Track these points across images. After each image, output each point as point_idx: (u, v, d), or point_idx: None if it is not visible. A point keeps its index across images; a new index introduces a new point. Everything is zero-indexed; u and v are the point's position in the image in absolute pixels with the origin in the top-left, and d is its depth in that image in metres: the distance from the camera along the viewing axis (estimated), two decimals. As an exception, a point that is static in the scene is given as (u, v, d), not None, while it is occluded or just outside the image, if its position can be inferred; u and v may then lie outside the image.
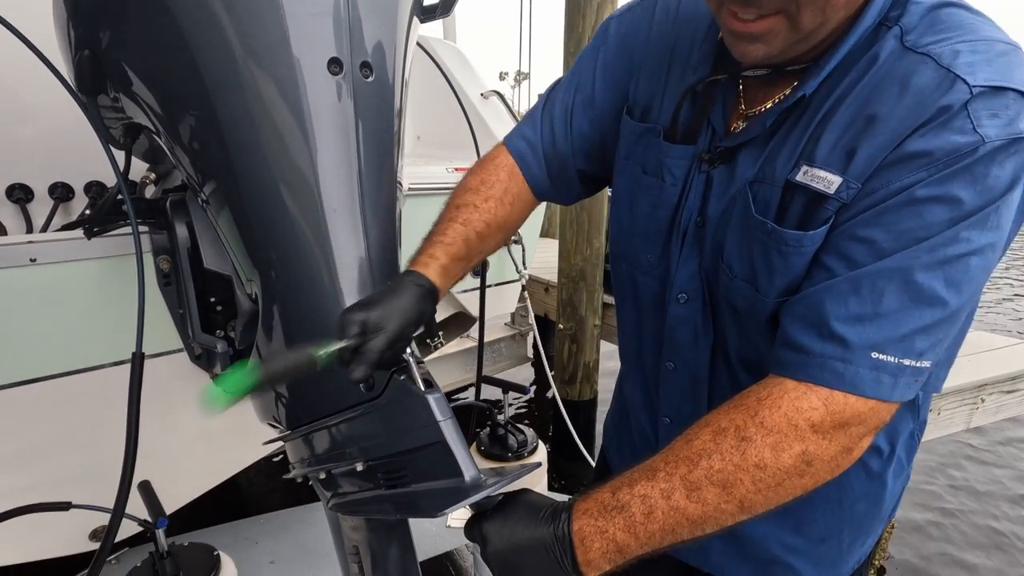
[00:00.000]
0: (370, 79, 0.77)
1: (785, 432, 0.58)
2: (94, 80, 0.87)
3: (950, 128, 0.55)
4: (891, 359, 0.59)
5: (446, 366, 3.40)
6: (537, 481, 1.95)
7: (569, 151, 0.91)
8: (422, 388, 0.68)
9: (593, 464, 3.44)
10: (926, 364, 0.60)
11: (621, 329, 0.96)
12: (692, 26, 0.78)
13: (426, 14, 1.01)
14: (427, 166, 1.92)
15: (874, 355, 0.59)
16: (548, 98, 0.93)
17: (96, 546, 1.37)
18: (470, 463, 0.65)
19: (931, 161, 0.56)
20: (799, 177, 0.64)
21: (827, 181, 0.61)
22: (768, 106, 0.69)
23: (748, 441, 0.58)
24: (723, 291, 0.73)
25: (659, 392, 0.88)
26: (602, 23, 0.90)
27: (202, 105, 0.76)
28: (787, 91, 0.67)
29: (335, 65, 0.73)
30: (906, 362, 0.59)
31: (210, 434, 1.64)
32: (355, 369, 0.64)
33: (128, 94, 0.87)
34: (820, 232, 0.63)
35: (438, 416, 0.66)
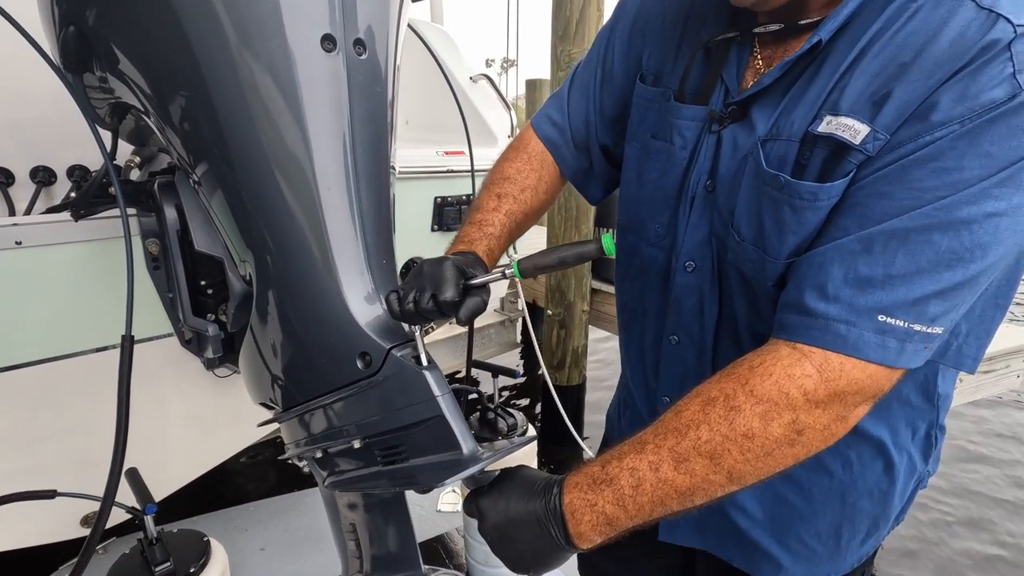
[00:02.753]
0: (363, 56, 0.76)
1: (775, 400, 0.57)
2: (79, 57, 0.85)
3: (988, 72, 0.51)
4: (899, 323, 0.55)
5: (435, 352, 3.38)
6: (526, 458, 1.98)
7: (594, 129, 0.92)
8: (424, 364, 0.69)
9: (585, 449, 3.47)
10: (938, 330, 0.56)
11: (623, 308, 0.95)
12: None
13: (418, -7, 1.00)
14: (417, 149, 1.91)
15: (881, 318, 0.55)
16: (572, 79, 0.94)
17: (87, 532, 1.36)
18: (468, 436, 0.66)
19: (965, 111, 0.51)
20: (822, 128, 0.59)
21: (853, 130, 0.57)
22: (785, 59, 0.66)
23: (737, 410, 0.57)
24: (732, 257, 0.71)
25: (659, 369, 0.86)
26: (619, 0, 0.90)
27: (193, 83, 0.75)
28: (803, 44, 0.64)
29: (328, 42, 0.72)
30: (916, 327, 0.55)
31: (198, 420, 1.63)
32: (473, 299, 0.69)
33: (115, 72, 0.85)
34: (838, 185, 0.59)
35: (436, 391, 0.67)
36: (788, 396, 0.57)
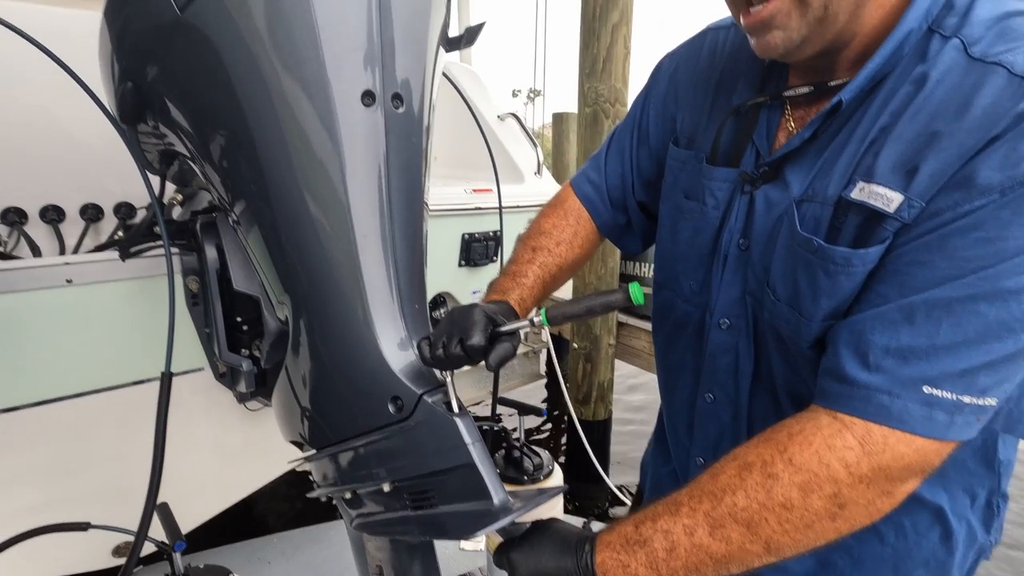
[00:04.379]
0: (400, 110, 0.79)
1: (815, 471, 0.55)
2: (135, 110, 0.90)
3: None
4: (947, 395, 0.54)
5: (460, 382, 3.38)
6: (553, 504, 1.94)
7: (631, 187, 0.95)
8: (456, 410, 0.70)
9: (612, 487, 3.41)
10: (991, 402, 0.54)
11: (659, 361, 0.95)
12: (737, 57, 0.79)
13: (451, 44, 1.04)
14: (446, 187, 1.95)
15: (927, 390, 0.54)
16: (610, 141, 0.98)
17: (119, 562, 1.38)
18: (499, 486, 0.66)
19: (1005, 180, 0.51)
20: (854, 194, 0.59)
21: (886, 199, 0.57)
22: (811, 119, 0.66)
23: (774, 479, 0.55)
24: (767, 316, 0.71)
25: (694, 427, 0.85)
26: (657, 63, 0.94)
27: (241, 135, 0.78)
28: None
29: (368, 97, 0.75)
30: (966, 399, 0.54)
31: (229, 452, 1.65)
32: (503, 345, 0.69)
33: (167, 123, 0.90)
34: (874, 252, 0.58)
35: (467, 439, 0.67)
36: (829, 468, 0.55)
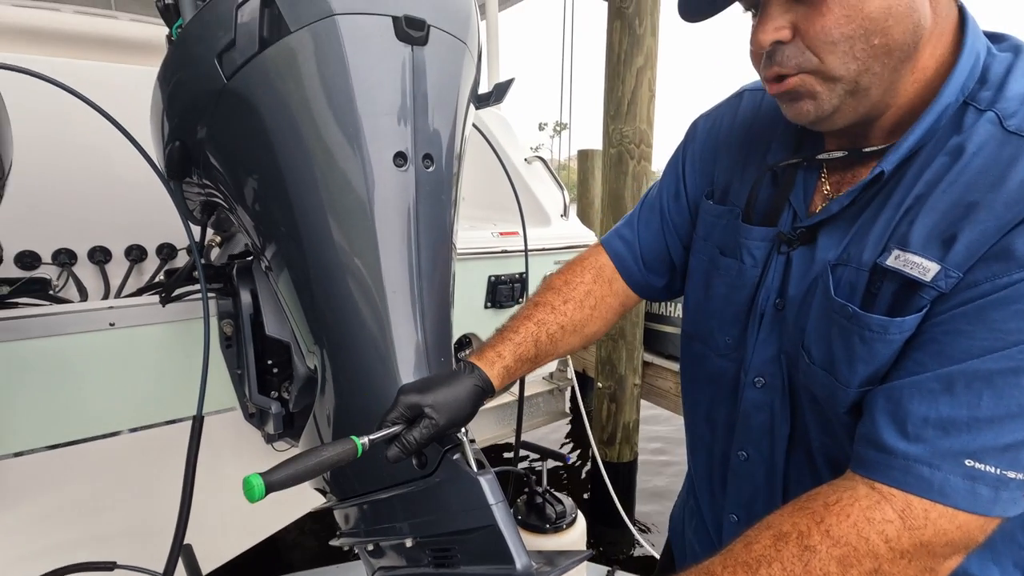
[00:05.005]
0: (431, 169, 0.82)
1: (854, 545, 0.53)
2: (182, 166, 0.96)
3: None
4: (991, 469, 0.52)
5: (481, 421, 3.37)
6: (578, 570, 1.89)
7: (663, 243, 0.93)
8: (475, 469, 0.70)
9: (638, 537, 3.31)
10: None
11: (690, 414, 0.93)
12: (772, 116, 0.80)
13: (481, 101, 1.07)
14: (473, 230, 1.99)
15: (968, 463, 0.53)
16: (644, 199, 0.98)
17: (143, 600, 1.39)
18: (522, 550, 0.65)
19: None
20: (890, 261, 0.59)
21: (922, 268, 0.57)
22: (851, 187, 0.67)
23: (812, 551, 0.54)
24: (802, 377, 0.70)
25: (727, 484, 0.83)
26: (692, 123, 0.95)
27: (279, 193, 0.82)
28: (870, 171, 0.65)
29: (400, 158, 0.78)
30: (1010, 474, 0.52)
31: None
32: (392, 451, 0.67)
33: (210, 177, 0.95)
34: (911, 320, 0.58)
35: (490, 499, 0.67)
36: (868, 542, 0.53)
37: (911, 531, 0.53)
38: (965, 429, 0.53)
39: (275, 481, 0.60)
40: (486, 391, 0.76)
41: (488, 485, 0.68)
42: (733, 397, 0.81)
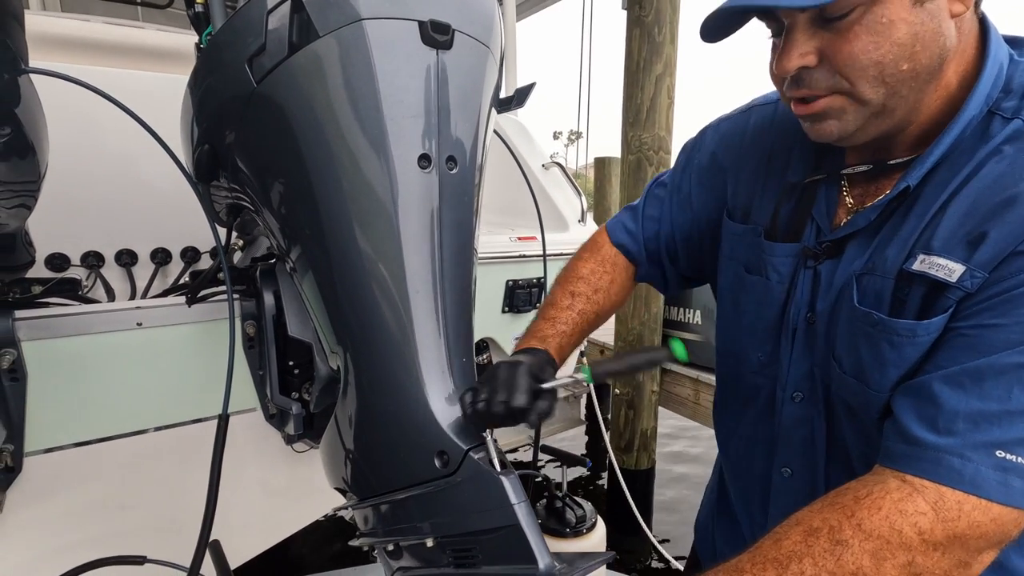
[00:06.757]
0: (454, 171, 0.83)
1: (887, 538, 0.52)
2: (210, 169, 0.98)
3: None
4: (1022, 461, 0.52)
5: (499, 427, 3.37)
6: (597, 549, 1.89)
7: (666, 247, 0.97)
8: (497, 469, 0.70)
9: (655, 543, 3.27)
10: None
11: (724, 429, 0.93)
12: (788, 130, 0.80)
13: (502, 105, 1.08)
14: (491, 235, 2.00)
15: (1000, 454, 0.53)
16: (647, 195, 1.01)
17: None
18: (544, 550, 0.65)
19: None
20: (916, 266, 0.61)
21: (948, 269, 0.58)
22: (876, 200, 0.68)
23: (844, 545, 0.53)
24: (836, 387, 0.71)
25: (770, 503, 0.83)
26: (700, 131, 0.96)
27: (304, 194, 0.83)
28: (894, 184, 0.66)
29: (424, 160, 0.79)
30: None
31: (275, 492, 1.68)
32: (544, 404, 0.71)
33: (238, 180, 0.97)
34: (937, 320, 0.59)
35: (513, 499, 0.67)
36: (901, 534, 0.53)
37: (945, 523, 0.52)
38: (996, 421, 0.53)
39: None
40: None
41: (511, 485, 0.68)
42: (771, 413, 0.81)
